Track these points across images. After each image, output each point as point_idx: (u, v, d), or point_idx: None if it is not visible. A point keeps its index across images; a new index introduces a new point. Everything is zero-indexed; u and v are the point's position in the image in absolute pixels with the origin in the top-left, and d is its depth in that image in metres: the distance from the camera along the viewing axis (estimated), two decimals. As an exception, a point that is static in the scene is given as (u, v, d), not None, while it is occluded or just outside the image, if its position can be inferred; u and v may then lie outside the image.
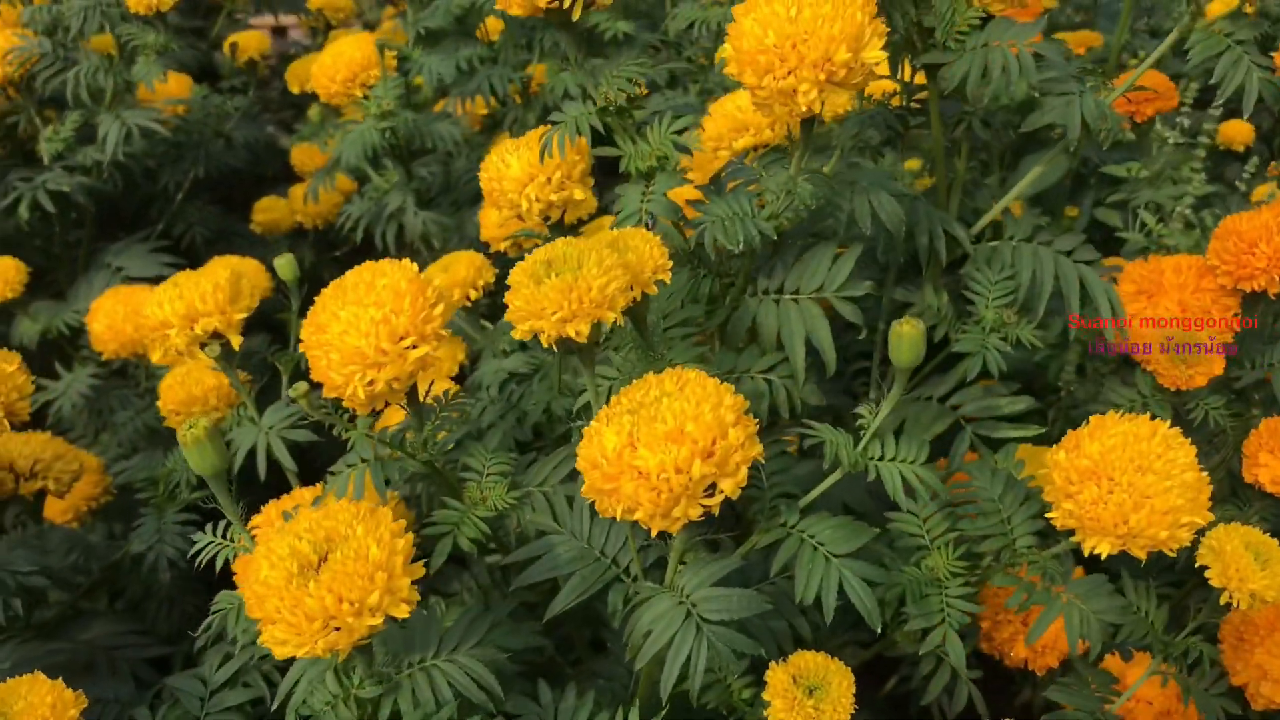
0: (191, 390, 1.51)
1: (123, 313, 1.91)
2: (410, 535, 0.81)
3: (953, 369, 1.28)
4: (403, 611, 0.78)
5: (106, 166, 2.11)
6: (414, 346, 0.95)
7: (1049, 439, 1.82)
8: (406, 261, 1.00)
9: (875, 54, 0.91)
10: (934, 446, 1.34)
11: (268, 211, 2.50)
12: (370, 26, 3.20)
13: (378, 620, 0.78)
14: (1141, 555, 0.97)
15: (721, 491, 0.82)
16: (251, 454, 1.19)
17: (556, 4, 0.96)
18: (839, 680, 0.94)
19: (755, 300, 1.10)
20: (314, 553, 0.78)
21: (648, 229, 1.02)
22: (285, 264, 1.36)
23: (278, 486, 1.22)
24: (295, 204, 2.46)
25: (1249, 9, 1.16)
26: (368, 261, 1.00)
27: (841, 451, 0.93)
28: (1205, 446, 1.49)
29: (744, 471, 0.82)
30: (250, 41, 2.47)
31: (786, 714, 0.92)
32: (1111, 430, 0.99)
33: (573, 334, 0.86)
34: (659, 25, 2.24)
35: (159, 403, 1.55)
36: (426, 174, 2.26)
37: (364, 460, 1.05)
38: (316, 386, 0.99)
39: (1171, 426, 1.39)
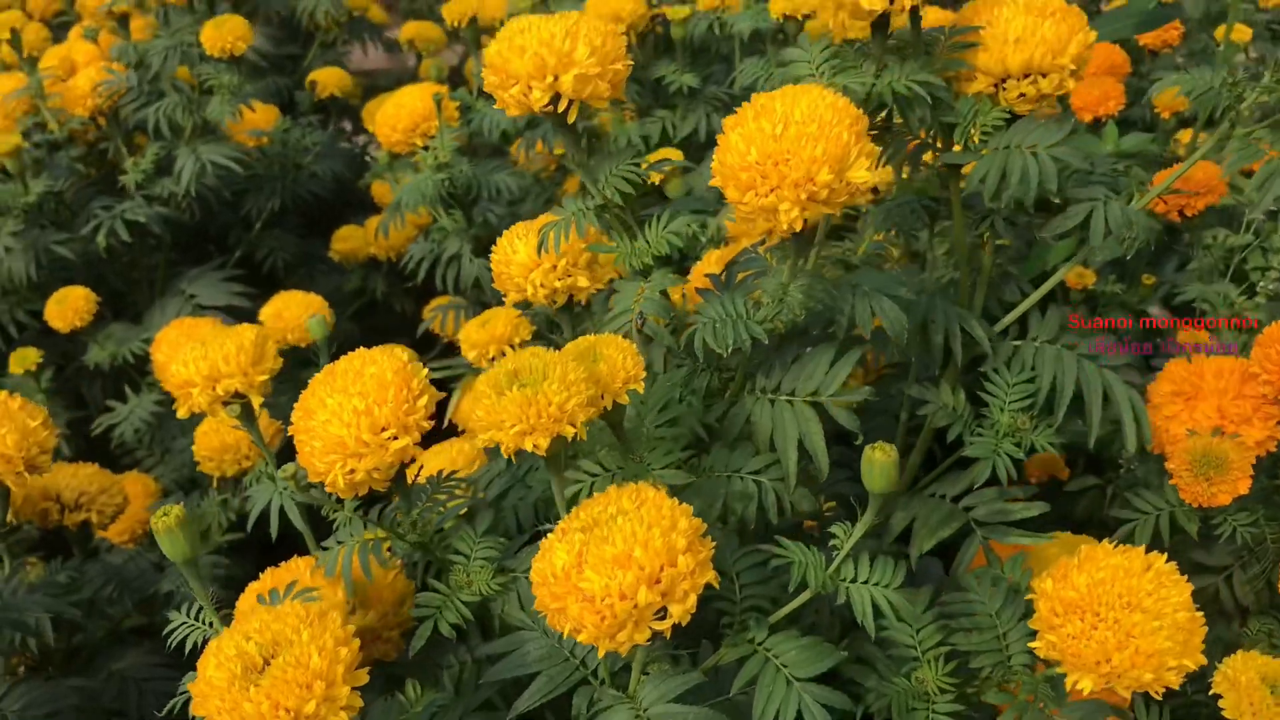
0: (225, 439, 1.56)
1: (185, 345, 1.97)
2: (355, 642, 0.82)
3: (967, 469, 1.25)
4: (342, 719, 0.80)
5: (182, 198, 2.19)
6: (395, 438, 0.97)
7: (1103, 522, 1.77)
8: (398, 350, 1.01)
9: (861, 175, 0.89)
10: (945, 544, 1.32)
11: (346, 241, 2.56)
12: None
13: (315, 728, 0.79)
14: (1126, 695, 0.94)
15: (671, 615, 0.81)
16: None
17: (551, 108, 0.96)
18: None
19: (752, 398, 1.09)
20: (259, 655, 0.80)
21: (639, 327, 1.02)
22: (316, 324, 1.39)
23: (294, 544, 1.25)
24: (370, 235, 2.51)
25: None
26: (360, 349, 1.02)
27: (810, 573, 0.92)
28: (1245, 555, 1.43)
29: (693, 599, 0.81)
30: (330, 78, 2.53)
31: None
32: (1101, 563, 0.95)
33: (530, 447, 0.87)
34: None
35: (194, 447, 1.61)
36: (493, 217, 2.29)
37: (354, 538, 1.07)
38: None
39: (1200, 539, 1.34)
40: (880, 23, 1.03)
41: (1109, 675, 0.93)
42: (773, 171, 0.88)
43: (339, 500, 1.05)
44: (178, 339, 1.99)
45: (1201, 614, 0.95)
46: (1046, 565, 1.16)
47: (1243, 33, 2.44)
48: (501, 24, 1.04)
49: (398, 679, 1.10)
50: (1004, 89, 1.13)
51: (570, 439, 0.87)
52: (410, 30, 3.06)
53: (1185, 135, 2.20)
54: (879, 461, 0.89)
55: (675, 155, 1.95)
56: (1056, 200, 1.13)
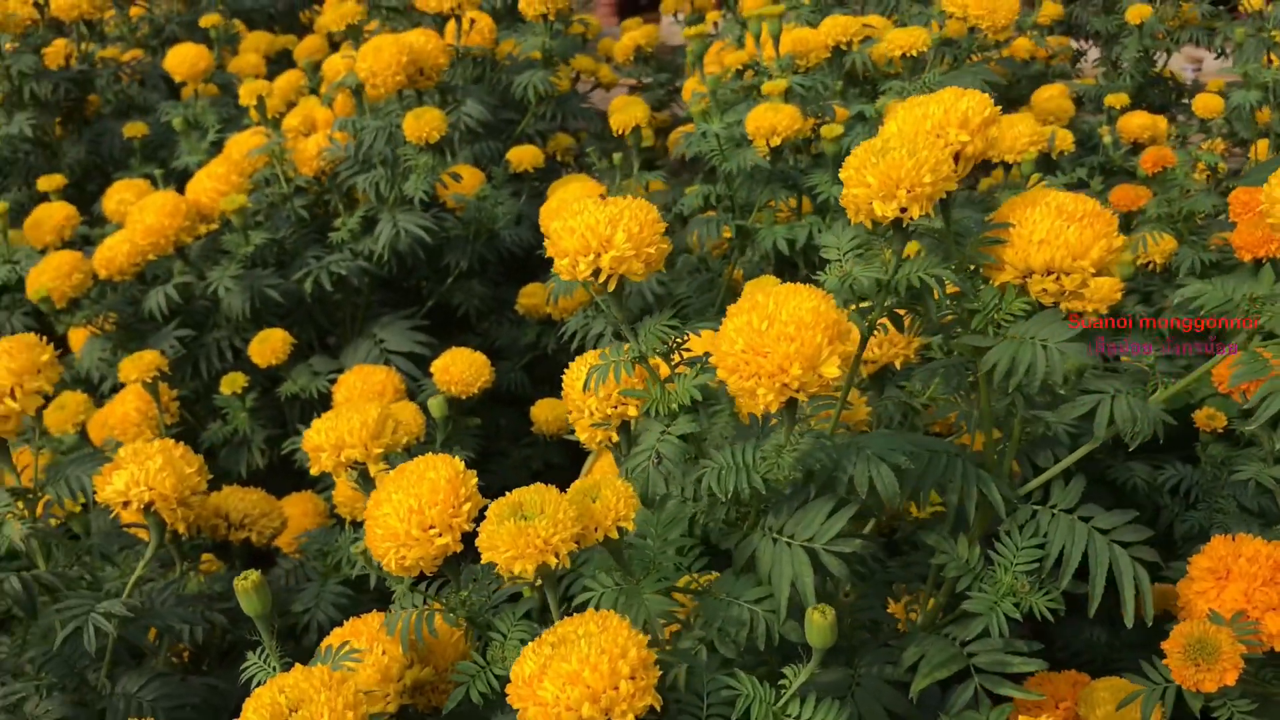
0: (352, 491, 1.82)
1: (360, 388, 2.26)
2: (364, 707, 1.02)
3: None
4: (343, 770, 1.00)
5: (380, 255, 2.49)
6: (440, 535, 1.17)
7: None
8: (457, 460, 1.22)
9: (832, 371, 1.03)
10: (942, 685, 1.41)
11: (530, 297, 2.81)
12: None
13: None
14: None
15: None
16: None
17: (593, 278, 1.14)
18: None
19: (759, 534, 1.23)
20: (287, 707, 1.01)
21: (655, 464, 1.19)
22: (436, 404, 1.62)
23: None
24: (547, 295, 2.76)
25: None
26: (429, 455, 1.24)
27: (755, 706, 1.06)
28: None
29: (630, 718, 0.97)
30: (524, 155, 2.80)
31: None
32: None
33: (519, 571, 1.05)
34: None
35: (333, 493, 1.87)
36: (650, 295, 2.48)
37: (415, 606, 1.28)
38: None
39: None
40: (898, 221, 1.16)
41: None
42: (754, 361, 1.04)
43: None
44: (355, 382, 2.29)
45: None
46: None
47: None
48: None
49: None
50: (1029, 282, 1.24)
51: (554, 566, 1.06)
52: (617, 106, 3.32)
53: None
54: (817, 623, 1.02)
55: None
56: (1062, 391, 1.22)
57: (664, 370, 1.24)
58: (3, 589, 1.43)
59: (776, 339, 1.03)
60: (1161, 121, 3.12)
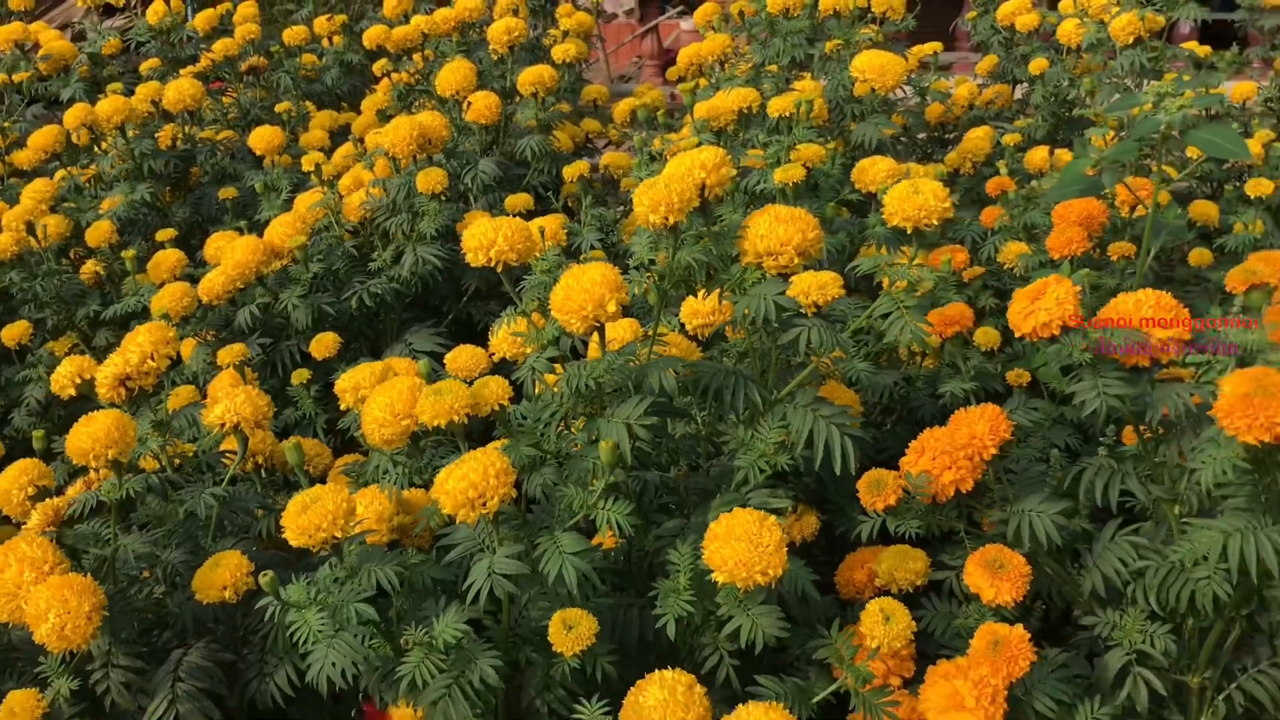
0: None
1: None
2: (346, 505, 1.82)
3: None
4: None
5: (409, 278, 3.33)
6: (404, 419, 1.98)
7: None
8: (416, 378, 2.03)
9: (613, 308, 1.82)
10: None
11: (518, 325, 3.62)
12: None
13: None
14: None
15: (489, 507, 1.77)
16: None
17: (487, 264, 1.95)
18: None
19: (602, 420, 2.02)
20: (310, 500, 1.82)
21: (531, 376, 1.99)
22: (292, 449, 2.41)
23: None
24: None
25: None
26: (401, 360, 2.04)
27: (575, 501, 1.84)
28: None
29: (495, 501, 1.76)
30: (518, 201, 3.61)
31: None
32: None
33: (432, 425, 1.85)
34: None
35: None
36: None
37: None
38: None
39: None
40: (674, 227, 1.94)
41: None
42: (569, 305, 1.84)
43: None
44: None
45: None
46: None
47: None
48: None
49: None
50: (763, 260, 2.01)
51: (458, 422, 1.86)
52: (608, 158, 4.17)
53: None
54: (604, 450, 1.80)
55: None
56: (776, 323, 1.99)
57: (541, 320, 2.04)
58: (149, 484, 2.26)
59: (580, 291, 1.83)
60: (1063, 153, 3.83)
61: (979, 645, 1.89)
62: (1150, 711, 2.05)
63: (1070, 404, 2.22)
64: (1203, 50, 4.99)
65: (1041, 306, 1.92)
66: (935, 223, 1.95)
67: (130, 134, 4.08)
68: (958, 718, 1.88)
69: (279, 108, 4.46)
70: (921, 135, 4.70)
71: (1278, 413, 1.54)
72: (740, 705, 1.69)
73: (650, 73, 10.50)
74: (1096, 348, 1.91)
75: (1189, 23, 9.22)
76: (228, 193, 4.02)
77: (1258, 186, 3.46)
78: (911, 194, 1.96)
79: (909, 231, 1.97)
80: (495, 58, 4.12)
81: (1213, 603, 1.89)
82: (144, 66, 5.00)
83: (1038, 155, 3.80)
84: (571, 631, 1.86)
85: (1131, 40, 3.70)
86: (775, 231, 1.96)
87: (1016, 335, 1.97)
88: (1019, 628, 1.90)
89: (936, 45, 4.59)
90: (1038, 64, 4.28)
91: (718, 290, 2.04)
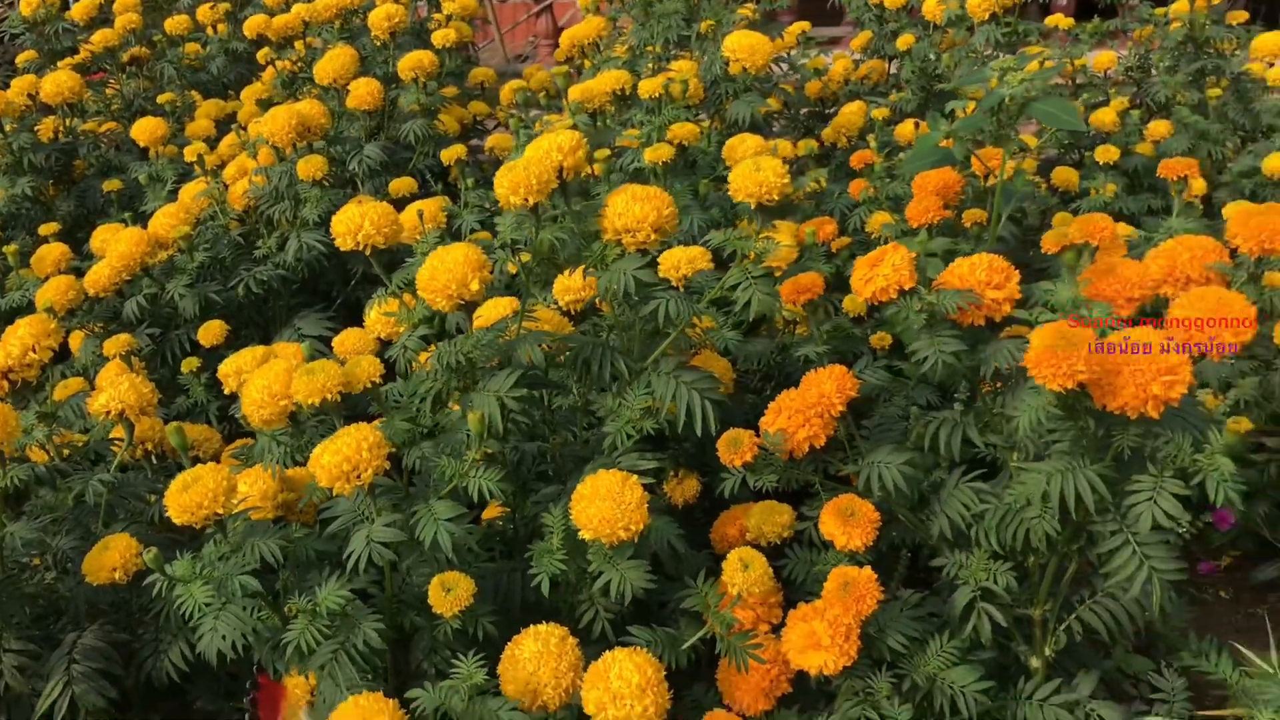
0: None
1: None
2: (228, 483, 1.90)
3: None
4: None
5: (294, 264, 3.39)
6: (282, 400, 2.06)
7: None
8: (292, 359, 2.11)
9: (475, 287, 1.93)
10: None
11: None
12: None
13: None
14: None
15: (364, 478, 1.86)
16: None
17: (357, 248, 2.04)
18: None
19: (475, 392, 2.12)
20: (191, 479, 1.90)
21: (403, 354, 2.09)
22: (173, 432, 2.50)
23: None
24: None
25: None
26: (286, 344, 2.12)
27: (448, 471, 1.94)
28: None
29: (369, 473, 1.85)
30: (402, 185, 3.69)
31: None
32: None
33: (307, 403, 1.94)
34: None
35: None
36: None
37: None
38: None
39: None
40: (535, 207, 2.05)
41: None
42: (433, 283, 1.93)
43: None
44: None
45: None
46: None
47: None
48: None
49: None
50: (622, 237, 2.13)
51: (330, 399, 1.94)
52: (493, 140, 4.25)
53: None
54: (473, 421, 1.91)
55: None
56: (636, 297, 2.11)
57: (412, 301, 2.13)
58: (35, 474, 2.30)
59: (444, 271, 1.93)
60: (926, 127, 4.00)
61: (831, 587, 2.04)
62: (997, 643, 2.22)
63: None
64: (1065, 23, 5.23)
65: (880, 273, 2.06)
66: (776, 197, 2.08)
67: (8, 128, 4.05)
68: (816, 656, 2.03)
69: (162, 99, 4.46)
70: (805, 111, 4.86)
71: (1079, 361, 1.70)
72: (608, 651, 1.82)
73: (546, 52, 10.55)
74: (932, 308, 2.06)
75: (1062, -6, 9.50)
76: (112, 185, 4.02)
77: (1106, 153, 3.68)
78: (753, 171, 2.09)
79: (753, 206, 2.10)
80: (378, 43, 4.16)
81: (1045, 540, 2.06)
82: (20, 59, 4.94)
83: (906, 129, 3.97)
84: (450, 593, 1.96)
85: (987, 16, 3.88)
86: (632, 210, 2.08)
87: (859, 299, 2.12)
88: (867, 569, 2.06)
89: (804, 25, 4.74)
90: (905, 40, 4.45)
91: (583, 267, 2.15)
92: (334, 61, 3.69)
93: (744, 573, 1.99)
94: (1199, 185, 3.31)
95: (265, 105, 3.79)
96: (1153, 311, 2.18)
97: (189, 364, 3.21)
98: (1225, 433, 1.76)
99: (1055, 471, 1.93)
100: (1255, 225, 2.07)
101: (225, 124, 4.64)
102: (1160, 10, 4.75)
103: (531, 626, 1.89)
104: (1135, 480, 1.88)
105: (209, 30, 5.30)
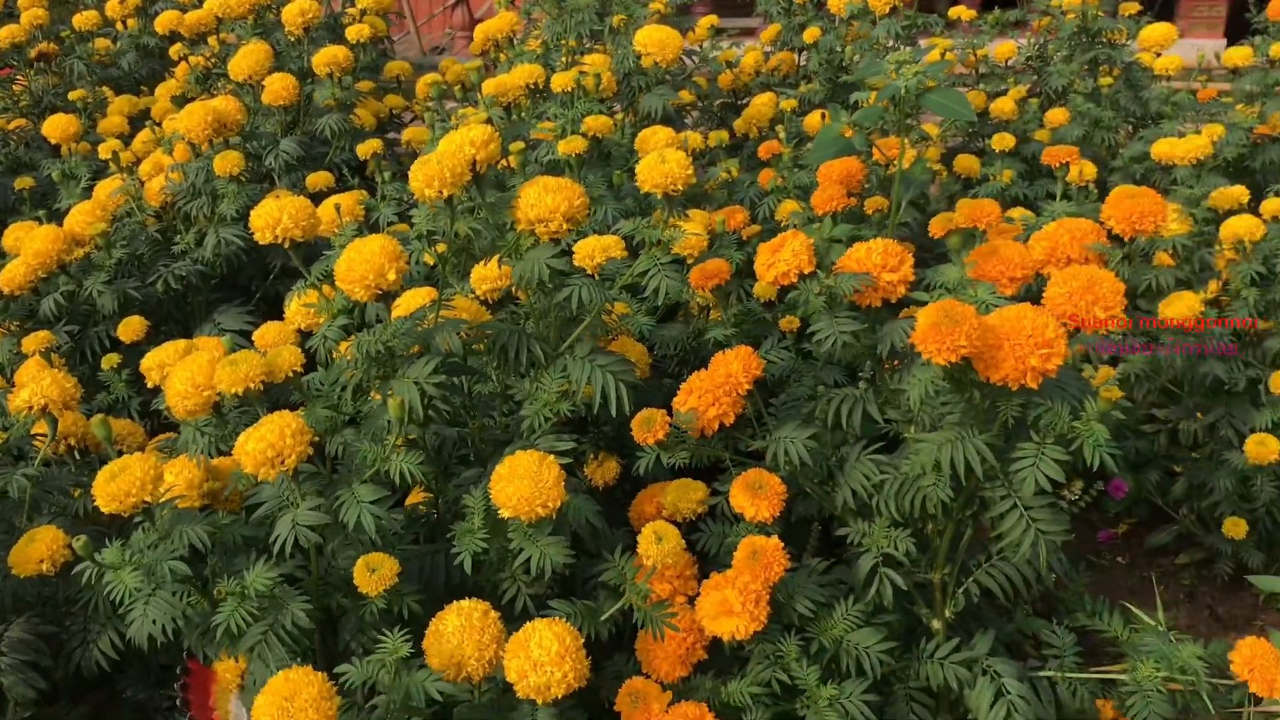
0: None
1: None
2: (155, 471, 1.95)
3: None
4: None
5: (213, 259, 3.42)
6: (205, 390, 2.11)
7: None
8: (215, 352, 2.16)
9: (392, 277, 2.00)
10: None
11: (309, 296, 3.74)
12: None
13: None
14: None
15: (288, 464, 1.93)
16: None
17: (275, 240, 2.10)
18: None
19: (396, 379, 2.19)
20: (118, 469, 1.94)
21: (323, 344, 2.15)
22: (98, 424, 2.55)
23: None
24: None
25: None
26: (208, 339, 2.17)
27: (370, 456, 2.01)
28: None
29: (293, 460, 1.92)
30: (319, 179, 3.73)
31: None
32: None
33: (231, 392, 2.00)
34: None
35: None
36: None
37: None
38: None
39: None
40: (449, 200, 2.13)
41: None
42: (351, 274, 2.00)
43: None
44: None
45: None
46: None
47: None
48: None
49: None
50: (535, 227, 2.21)
51: (254, 389, 2.00)
52: (409, 133, 4.30)
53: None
54: (392, 406, 1.98)
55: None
56: (550, 284, 2.20)
57: (331, 292, 2.20)
58: (-43, 471, 2.33)
59: (361, 261, 2.00)
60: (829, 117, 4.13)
61: (741, 556, 2.15)
62: (900, 607, 2.35)
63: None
64: (968, 15, 5.41)
65: (780, 258, 2.18)
66: (680, 188, 2.18)
67: (-85, 127, 4.01)
68: (728, 622, 2.14)
69: (74, 95, 4.43)
70: (719, 102, 4.97)
71: (961, 337, 1.82)
72: (528, 622, 1.91)
73: (462, 44, 10.55)
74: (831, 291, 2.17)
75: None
76: (24, 182, 4.00)
77: (1002, 141, 3.84)
78: (659, 164, 2.19)
79: (659, 196, 2.20)
80: (292, 39, 4.18)
81: (940, 507, 2.19)
82: (-77, 57, 4.88)
83: (814, 119, 4.10)
84: (375, 573, 2.03)
85: (888, 10, 4.02)
86: (544, 200, 2.16)
87: (762, 283, 2.23)
88: (775, 539, 2.17)
89: (714, 19, 4.86)
90: (811, 33, 4.58)
91: (498, 256, 2.23)
92: (249, 57, 3.72)
93: (658, 545, 2.08)
94: (1089, 170, 3.47)
95: (180, 102, 3.80)
96: (1040, 290, 2.32)
97: (109, 360, 3.22)
98: (1099, 400, 1.90)
99: (946, 441, 2.05)
100: (1126, 208, 2.22)
101: (139, 120, 4.61)
102: (1057, 1, 4.94)
103: (455, 603, 1.97)
104: (1020, 448, 2.01)
105: (119, 25, 5.26)
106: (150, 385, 2.44)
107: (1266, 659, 2.19)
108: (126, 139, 4.15)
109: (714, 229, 3.09)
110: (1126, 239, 2.22)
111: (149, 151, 4.00)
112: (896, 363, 2.34)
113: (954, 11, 5.41)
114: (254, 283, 3.74)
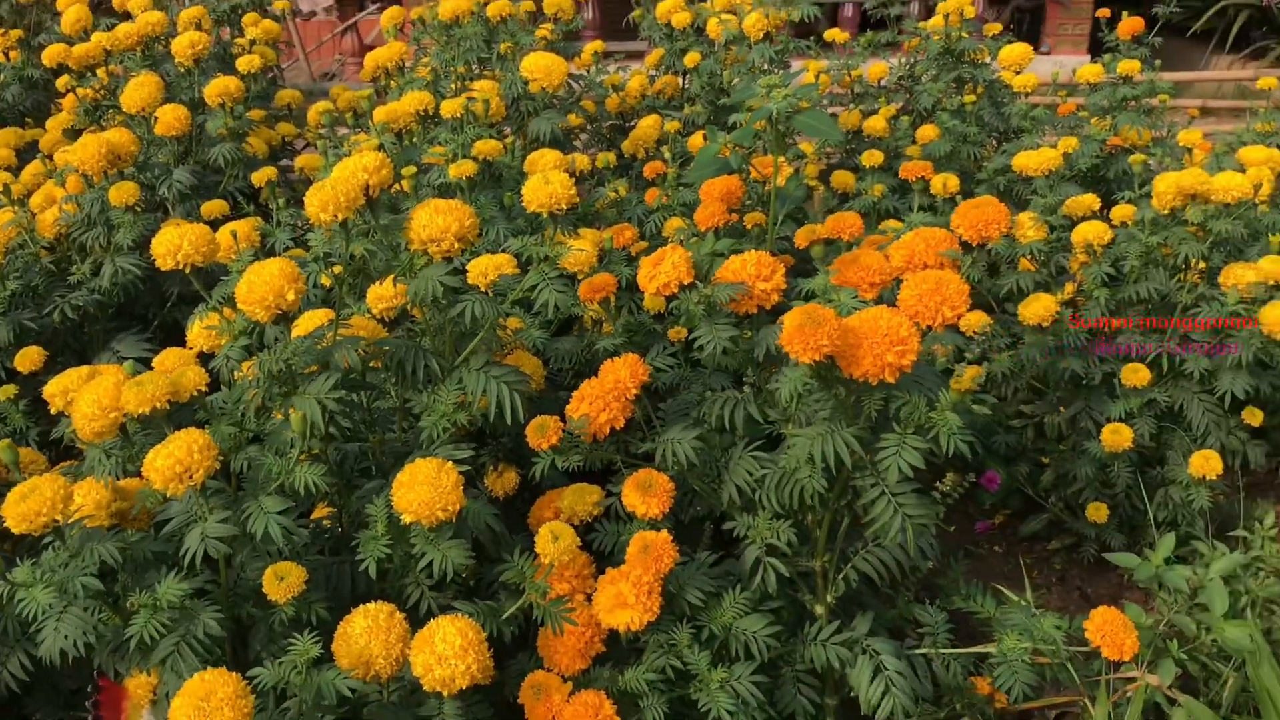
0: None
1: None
2: (64, 493, 2.02)
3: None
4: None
5: (110, 289, 3.46)
6: (112, 413, 2.18)
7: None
8: (120, 375, 2.24)
9: (291, 297, 2.10)
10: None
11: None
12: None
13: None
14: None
15: (195, 479, 2.02)
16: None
17: (177, 267, 2.19)
18: None
19: (298, 395, 2.29)
20: (28, 489, 2.01)
21: (226, 365, 2.24)
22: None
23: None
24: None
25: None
26: (109, 365, 2.25)
27: (272, 469, 2.11)
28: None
29: (201, 474, 2.01)
30: (214, 207, 3.79)
31: None
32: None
33: (137, 411, 2.08)
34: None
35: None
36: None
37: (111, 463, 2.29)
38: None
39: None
40: (344, 224, 2.24)
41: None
42: (251, 297, 2.10)
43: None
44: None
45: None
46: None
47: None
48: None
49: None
50: (428, 247, 2.33)
51: (161, 408, 2.09)
52: (302, 160, 4.37)
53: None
54: (295, 420, 2.08)
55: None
56: (444, 301, 2.32)
57: (231, 314, 2.29)
58: None
59: (261, 284, 2.10)
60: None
61: (633, 551, 2.29)
62: (785, 594, 2.51)
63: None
64: (842, 37, 5.66)
65: (661, 270, 2.33)
66: (564, 207, 2.32)
67: None
68: (623, 614, 2.27)
69: (-44, 129, 4.42)
70: (607, 124, 5.13)
71: (823, 337, 1.99)
72: (431, 620, 2.02)
73: (353, 70, 10.57)
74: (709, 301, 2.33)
75: (852, 6, 10.10)
76: (-91, 218, 3.98)
77: (871, 158, 4.07)
78: (543, 185, 2.33)
79: (545, 215, 2.34)
80: (182, 70, 4.23)
81: (816, 497, 2.35)
82: None
83: (697, 140, 4.27)
84: (283, 581, 2.13)
85: (761, 35, 4.23)
86: (435, 221, 2.28)
87: (646, 294, 2.38)
88: (664, 533, 2.31)
89: (599, 44, 5.02)
90: (692, 57, 4.77)
91: (393, 275, 2.35)
92: (141, 89, 3.77)
93: (554, 544, 2.21)
94: (953, 182, 3.71)
95: (72, 134, 3.82)
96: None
97: (6, 391, 3.24)
98: (950, 391, 2.08)
99: (818, 435, 2.21)
100: (973, 217, 2.43)
101: (26, 153, 4.60)
102: (924, 24, 5.22)
103: (361, 606, 2.07)
104: (884, 438, 2.18)
105: (0, 58, 5.23)
106: (54, 411, 2.49)
107: (1115, 625, 2.39)
108: (15, 171, 4.15)
109: (604, 246, 3.24)
110: (975, 245, 2.42)
111: (39, 184, 4.01)
112: (775, 368, 2.50)
113: (830, 34, 5.66)
114: (151, 310, 3.77)
